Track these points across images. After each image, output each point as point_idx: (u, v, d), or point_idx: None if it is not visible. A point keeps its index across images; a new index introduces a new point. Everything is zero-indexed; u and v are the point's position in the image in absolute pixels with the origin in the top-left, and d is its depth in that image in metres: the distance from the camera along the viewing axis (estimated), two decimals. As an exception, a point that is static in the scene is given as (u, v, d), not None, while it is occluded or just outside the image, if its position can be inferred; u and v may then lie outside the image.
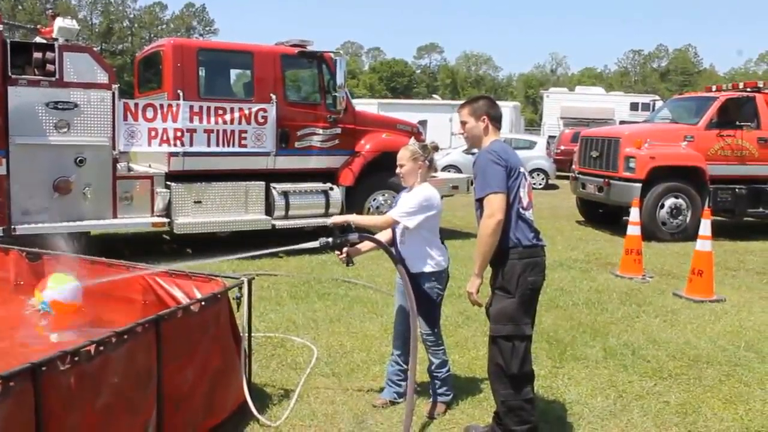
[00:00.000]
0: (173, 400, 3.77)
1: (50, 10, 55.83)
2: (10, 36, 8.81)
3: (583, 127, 21.96)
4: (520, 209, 3.93)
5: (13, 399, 2.74)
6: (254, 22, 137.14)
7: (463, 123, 4.14)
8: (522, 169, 3.98)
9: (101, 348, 3.20)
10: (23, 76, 8.54)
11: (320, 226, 10.04)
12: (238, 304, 4.45)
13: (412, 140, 6.32)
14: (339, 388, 4.99)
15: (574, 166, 14.54)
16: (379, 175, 10.79)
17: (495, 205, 3.83)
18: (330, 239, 4.29)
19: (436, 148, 4.78)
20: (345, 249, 4.41)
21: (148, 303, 4.79)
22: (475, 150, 4.20)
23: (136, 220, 9.34)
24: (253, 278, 4.56)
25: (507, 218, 3.87)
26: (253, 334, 4.67)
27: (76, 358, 3.06)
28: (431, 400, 4.66)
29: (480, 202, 3.93)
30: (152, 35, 69.73)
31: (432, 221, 4.50)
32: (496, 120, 4.11)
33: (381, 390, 4.84)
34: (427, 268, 4.51)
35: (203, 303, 4.00)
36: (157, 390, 3.64)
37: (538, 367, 4.33)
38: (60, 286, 4.78)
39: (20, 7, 63.28)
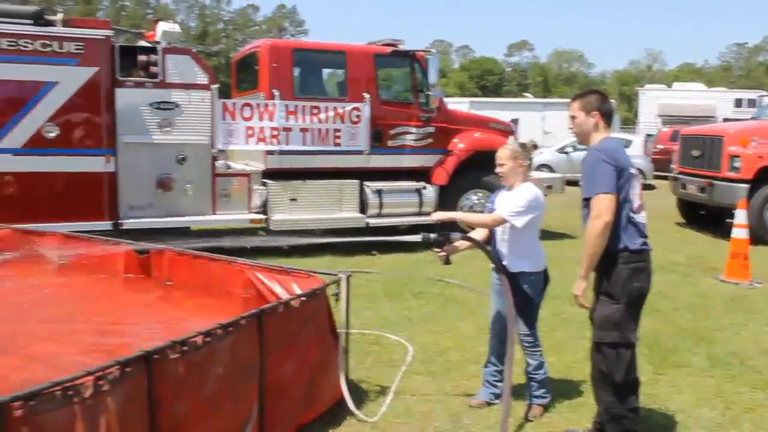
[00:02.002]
0: (274, 391, 3.85)
1: (151, 15, 58.15)
2: (117, 41, 9.20)
3: (682, 125, 21.15)
4: (630, 212, 3.80)
5: (128, 383, 2.87)
6: (343, 22, 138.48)
7: (573, 117, 4.03)
8: (633, 170, 3.84)
9: (208, 339, 3.30)
10: (130, 78, 8.94)
11: (413, 225, 10.06)
12: (336, 301, 4.49)
13: (511, 139, 6.23)
14: (434, 386, 4.98)
15: (673, 166, 14.02)
16: (473, 174, 10.73)
17: (603, 205, 3.71)
18: (432, 235, 4.27)
19: (535, 147, 4.71)
20: (444, 246, 4.39)
21: (249, 297, 4.90)
22: (584, 147, 4.09)
23: (234, 216, 9.62)
24: (351, 275, 4.59)
25: (615, 221, 3.74)
26: (349, 331, 4.71)
27: (185, 348, 3.17)
28: (528, 402, 4.58)
29: (587, 201, 3.82)
30: (245, 37, 71.50)
31: (536, 221, 4.42)
32: (607, 116, 3.98)
33: (477, 390, 4.80)
34: (528, 268, 4.44)
35: (303, 298, 4.06)
36: (259, 381, 3.73)
37: (638, 372, 4.18)
38: None
39: (123, 13, 66.14)
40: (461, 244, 4.49)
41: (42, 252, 6.46)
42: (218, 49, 69.62)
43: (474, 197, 10.90)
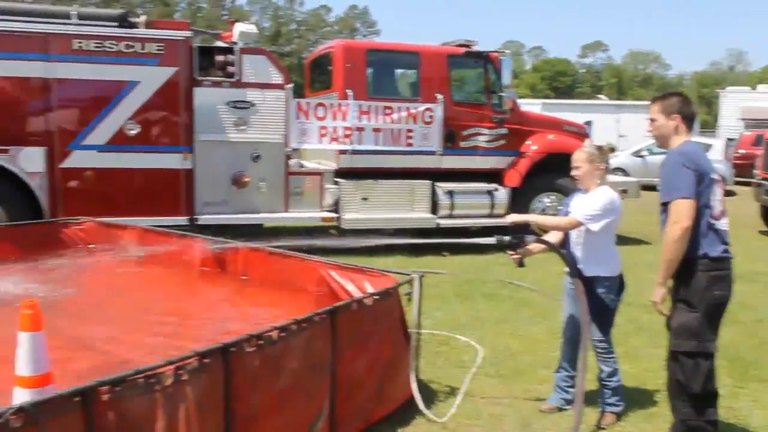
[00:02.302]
0: (346, 388, 3.88)
1: (226, 16, 59.42)
2: (195, 41, 9.46)
3: (766, 129, 20.33)
4: (711, 218, 3.69)
5: (206, 374, 2.94)
6: (414, 22, 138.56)
7: (652, 120, 3.93)
8: (714, 175, 3.72)
9: (283, 334, 3.36)
10: (207, 78, 9.17)
11: (485, 227, 10.00)
12: (408, 300, 4.50)
13: (588, 142, 6.12)
14: (504, 389, 4.93)
15: (757, 171, 13.49)
16: (546, 176, 10.59)
17: (681, 211, 3.60)
18: (506, 237, 4.23)
19: (611, 150, 4.61)
20: (519, 249, 4.34)
21: (322, 294, 4.96)
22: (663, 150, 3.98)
23: (306, 215, 9.75)
24: (423, 275, 4.60)
25: (695, 227, 3.63)
26: (420, 331, 4.71)
27: (261, 342, 3.23)
28: (600, 409, 4.49)
29: (665, 206, 3.72)
30: (318, 37, 72.32)
31: (612, 225, 4.34)
32: (688, 119, 3.87)
33: (547, 395, 4.73)
34: (603, 273, 4.35)
35: (377, 297, 4.09)
36: (330, 377, 3.77)
37: (717, 384, 4.03)
38: None
39: (199, 15, 67.82)
40: (535, 247, 4.44)
41: (123, 245, 6.70)
42: (291, 49, 70.64)
43: (546, 200, 10.75)
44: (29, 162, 8.61)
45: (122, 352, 4.11)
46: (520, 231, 4.28)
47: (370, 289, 4.48)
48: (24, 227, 7.14)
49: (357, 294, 4.53)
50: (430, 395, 4.67)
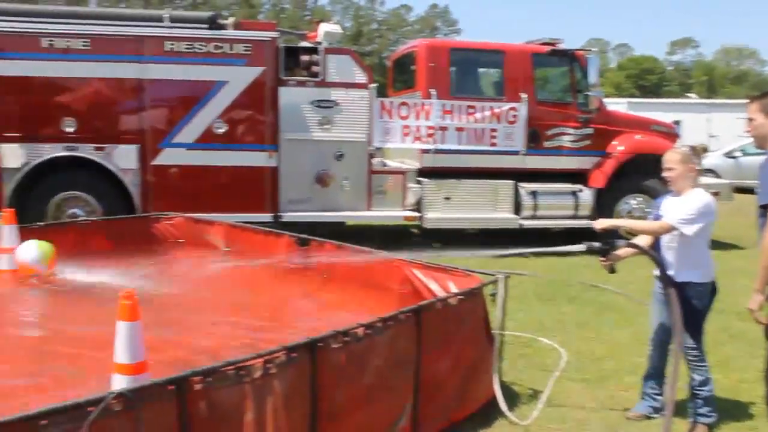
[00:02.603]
0: (429, 387, 3.88)
1: (308, 17, 60.25)
2: (281, 42, 9.64)
3: None
4: None
5: (294, 368, 3.00)
6: (496, 21, 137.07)
7: (750, 119, 3.77)
8: None
9: (369, 331, 3.38)
10: (293, 78, 9.33)
11: (569, 229, 9.82)
12: (492, 301, 4.46)
13: (680, 142, 5.91)
14: (588, 395, 4.83)
15: None
16: (632, 177, 10.30)
17: None
18: (596, 243, 4.13)
19: (704, 150, 4.45)
20: (609, 255, 4.23)
21: (405, 293, 4.97)
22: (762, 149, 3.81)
23: (389, 213, 9.80)
24: (509, 276, 4.54)
25: None
26: (503, 332, 4.66)
27: (347, 339, 3.26)
28: (691, 420, 4.33)
29: (764, 209, 3.56)
30: (398, 37, 72.51)
31: (707, 229, 4.18)
32: None
33: (633, 402, 4.60)
34: (696, 278, 4.20)
35: (461, 297, 4.07)
36: (414, 376, 3.77)
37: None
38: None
39: (282, 15, 69.08)
40: (625, 251, 4.31)
41: (210, 240, 6.89)
42: (372, 49, 71.08)
43: (633, 202, 10.46)
44: (123, 159, 8.99)
45: (210, 344, 4.23)
46: (610, 236, 4.17)
47: (454, 289, 4.46)
48: (118, 221, 7.46)
49: (440, 293, 4.52)
50: (512, 397, 4.61)
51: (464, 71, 10.75)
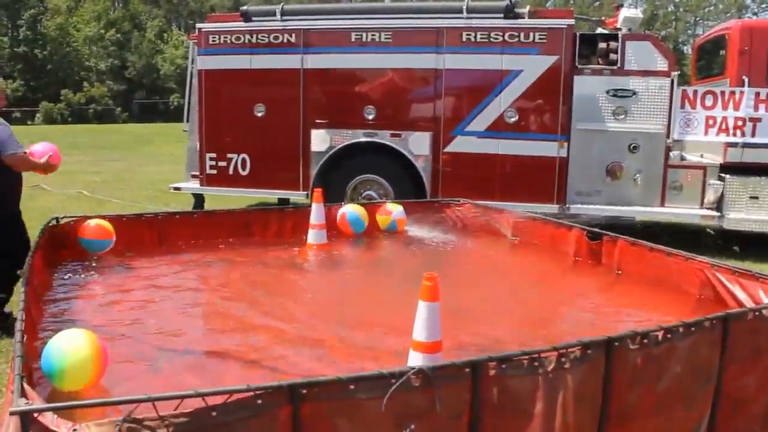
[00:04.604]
0: (730, 403, 3.55)
1: (598, 2, 57.80)
2: (577, 29, 9.41)
3: None
4: None
5: (588, 365, 2.92)
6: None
7: None
8: None
9: (669, 335, 3.18)
10: (588, 66, 9.07)
11: None
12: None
13: None
14: None
15: None
16: None
17: None
18: None
19: None
20: None
21: (704, 298, 4.62)
22: None
23: (684, 211, 9.13)
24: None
25: None
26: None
27: (645, 340, 3.10)
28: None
29: None
30: (699, 18, 67.02)
31: None
32: None
33: None
34: None
35: (777, 309, 3.65)
36: (715, 389, 3.48)
37: None
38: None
39: (571, 1, 67.33)
40: None
41: (498, 228, 6.98)
42: (666, 33, 66.58)
43: None
44: (417, 145, 9.47)
45: (495, 332, 4.28)
46: None
47: (766, 300, 4.03)
48: (412, 204, 7.84)
49: (749, 303, 4.11)
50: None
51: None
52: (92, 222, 5.74)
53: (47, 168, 5.55)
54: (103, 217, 5.92)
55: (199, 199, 11.13)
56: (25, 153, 5.43)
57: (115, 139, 33.05)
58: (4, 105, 6.33)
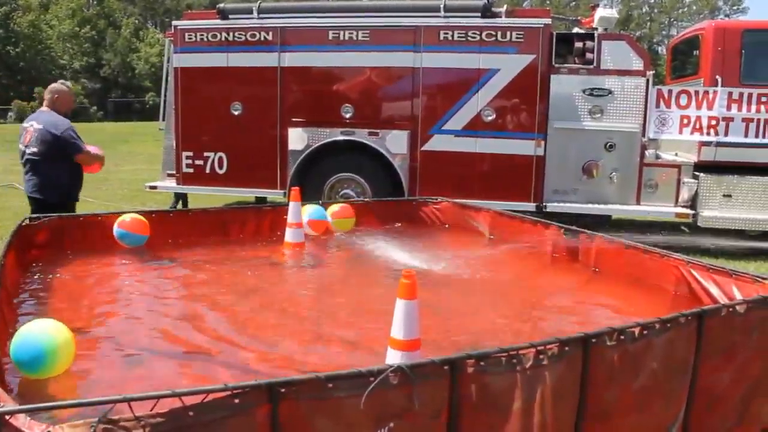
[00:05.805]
0: (705, 399, 3.59)
1: (573, 2, 58.25)
2: (554, 28, 9.48)
3: None
4: None
5: (565, 362, 2.93)
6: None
7: None
8: None
9: (645, 332, 3.20)
10: (564, 65, 9.13)
11: None
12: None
13: None
14: None
15: None
16: None
17: None
18: None
19: None
20: None
21: (680, 295, 4.66)
22: None
23: (659, 209, 9.25)
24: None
25: None
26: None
27: (622, 337, 3.12)
28: None
29: None
30: (671, 19, 67.79)
31: None
32: None
33: None
34: None
35: (751, 305, 3.69)
36: (690, 384, 3.51)
37: None
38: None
39: (547, 1, 67.78)
40: None
41: (476, 226, 7.00)
42: (641, 33, 67.25)
43: None
44: (394, 144, 9.49)
45: (473, 329, 4.29)
46: None
47: (739, 296, 4.08)
48: (388, 203, 7.85)
49: (723, 299, 4.16)
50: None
51: (759, 56, 9.67)
52: (128, 216, 5.93)
53: (103, 161, 6.68)
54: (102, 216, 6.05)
55: (180, 198, 11.07)
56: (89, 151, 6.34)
57: (90, 138, 32.31)
58: (73, 107, 6.96)
